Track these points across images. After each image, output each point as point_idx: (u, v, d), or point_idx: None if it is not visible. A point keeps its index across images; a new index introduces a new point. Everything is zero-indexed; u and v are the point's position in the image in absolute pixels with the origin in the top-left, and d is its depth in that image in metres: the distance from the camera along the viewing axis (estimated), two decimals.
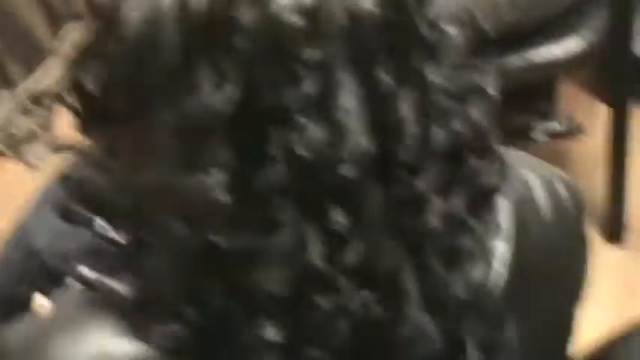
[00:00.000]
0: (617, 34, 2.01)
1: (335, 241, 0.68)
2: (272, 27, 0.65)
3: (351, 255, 0.69)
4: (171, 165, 0.68)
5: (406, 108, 0.69)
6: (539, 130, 2.17)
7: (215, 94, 0.66)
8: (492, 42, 0.77)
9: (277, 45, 0.66)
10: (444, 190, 0.74)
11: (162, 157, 0.69)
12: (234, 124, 0.66)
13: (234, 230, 0.68)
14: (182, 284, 0.71)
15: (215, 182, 0.67)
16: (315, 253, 0.68)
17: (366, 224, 0.69)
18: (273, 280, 0.68)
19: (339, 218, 0.68)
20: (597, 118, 2.31)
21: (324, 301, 0.69)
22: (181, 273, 0.71)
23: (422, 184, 0.71)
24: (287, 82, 0.66)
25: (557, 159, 2.14)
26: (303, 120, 0.66)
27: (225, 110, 0.66)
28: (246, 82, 0.66)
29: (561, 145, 2.33)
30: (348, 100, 0.67)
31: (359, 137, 0.67)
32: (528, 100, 2.10)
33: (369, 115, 0.68)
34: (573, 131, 2.21)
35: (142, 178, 0.71)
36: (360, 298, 0.70)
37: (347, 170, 0.67)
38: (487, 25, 0.77)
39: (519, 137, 2.05)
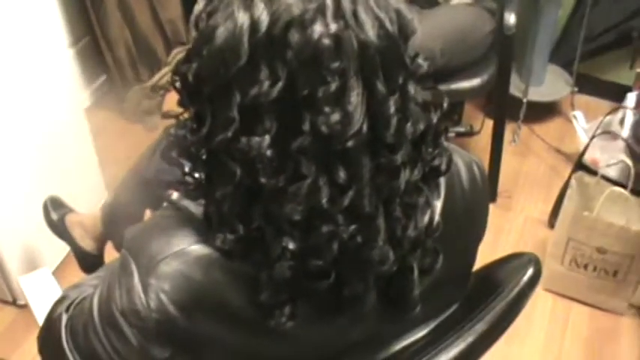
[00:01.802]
0: (501, 78, 2.59)
1: (337, 190, 0.80)
2: (311, 45, 0.76)
3: (346, 199, 0.80)
4: (236, 129, 0.79)
5: (392, 108, 0.80)
6: (452, 131, 2.80)
7: (270, 87, 0.77)
8: (430, 75, 0.87)
9: (314, 57, 0.76)
10: (410, 165, 0.85)
11: (231, 124, 0.79)
12: (280, 106, 0.77)
13: (273, 175, 0.79)
14: (236, 208, 0.84)
15: (264, 143, 0.78)
16: (324, 196, 0.79)
17: (358, 181, 0.80)
18: (294, 211, 0.80)
19: (341, 174, 0.79)
20: (486, 125, 2.87)
21: (325, 228, 0.81)
22: (236, 200, 0.83)
23: (397, 158, 0.82)
24: (318, 82, 0.76)
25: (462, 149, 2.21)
26: (326, 108, 0.76)
27: (276, 97, 0.77)
28: (292, 80, 0.77)
29: (464, 141, 2.97)
30: (355, 98, 0.77)
31: (360, 123, 0.78)
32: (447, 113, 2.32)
33: (368, 110, 0.79)
34: (472, 133, 2.84)
35: (217, 137, 0.81)
36: (348, 230, 0.82)
37: (350, 143, 0.78)
38: (428, 64, 0.86)
39: None
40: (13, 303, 2.40)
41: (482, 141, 2.94)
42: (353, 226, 0.82)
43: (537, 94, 3.14)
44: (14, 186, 2.24)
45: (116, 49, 3.14)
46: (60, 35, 2.41)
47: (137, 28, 3.17)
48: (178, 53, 3.15)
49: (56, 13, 2.40)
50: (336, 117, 0.77)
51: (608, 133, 2.61)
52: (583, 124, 2.81)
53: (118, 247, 1.88)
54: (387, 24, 0.81)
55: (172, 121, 0.90)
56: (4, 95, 2.13)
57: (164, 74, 3.16)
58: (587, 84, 3.23)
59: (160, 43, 3.28)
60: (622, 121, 2.65)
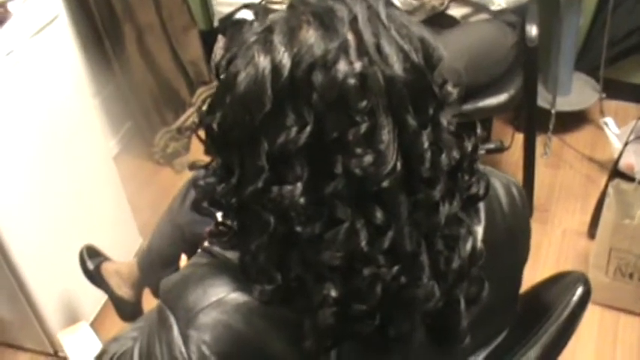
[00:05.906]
0: (528, 91, 2.55)
1: (375, 231, 0.78)
2: (336, 86, 0.75)
3: (386, 240, 0.79)
4: (266, 178, 0.79)
5: (425, 142, 0.79)
6: (482, 148, 2.37)
7: (298, 133, 0.76)
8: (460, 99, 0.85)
9: (340, 98, 0.75)
10: (448, 197, 0.83)
11: (261, 173, 0.79)
12: (310, 152, 0.77)
13: (308, 223, 0.78)
14: (272, 257, 0.83)
15: (297, 191, 0.77)
16: (363, 240, 0.78)
17: (397, 220, 0.79)
18: (333, 257, 0.78)
19: (378, 215, 0.78)
20: (516, 140, 2.87)
21: (367, 272, 0.79)
22: (272, 249, 0.82)
23: (435, 193, 0.81)
24: (347, 124, 0.75)
25: (492, 166, 1.99)
26: (358, 150, 0.75)
27: (305, 143, 0.76)
28: (320, 124, 0.76)
29: (495, 157, 2.97)
30: (387, 136, 0.76)
31: (393, 161, 0.77)
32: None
33: (400, 146, 0.77)
34: (502, 148, 2.82)
35: (247, 187, 0.80)
36: (391, 271, 0.80)
37: (385, 183, 0.77)
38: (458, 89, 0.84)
39: None
40: (55, 355, 2.40)
41: (514, 156, 2.91)
42: (396, 267, 0.80)
43: (565, 103, 3.10)
44: (49, 237, 2.25)
45: (140, 94, 3.15)
46: (83, 85, 2.41)
47: (159, 71, 3.19)
48: (202, 93, 3.23)
49: (78, 63, 2.38)
50: (368, 158, 0.75)
51: None
52: (614, 130, 2.78)
53: (155, 294, 1.89)
54: (413, 55, 0.78)
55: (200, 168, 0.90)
56: (34, 149, 2.16)
57: (189, 115, 3.20)
58: (614, 89, 3.19)
59: (183, 84, 3.29)
60: None
